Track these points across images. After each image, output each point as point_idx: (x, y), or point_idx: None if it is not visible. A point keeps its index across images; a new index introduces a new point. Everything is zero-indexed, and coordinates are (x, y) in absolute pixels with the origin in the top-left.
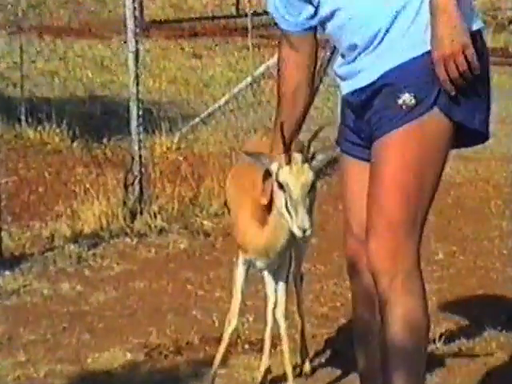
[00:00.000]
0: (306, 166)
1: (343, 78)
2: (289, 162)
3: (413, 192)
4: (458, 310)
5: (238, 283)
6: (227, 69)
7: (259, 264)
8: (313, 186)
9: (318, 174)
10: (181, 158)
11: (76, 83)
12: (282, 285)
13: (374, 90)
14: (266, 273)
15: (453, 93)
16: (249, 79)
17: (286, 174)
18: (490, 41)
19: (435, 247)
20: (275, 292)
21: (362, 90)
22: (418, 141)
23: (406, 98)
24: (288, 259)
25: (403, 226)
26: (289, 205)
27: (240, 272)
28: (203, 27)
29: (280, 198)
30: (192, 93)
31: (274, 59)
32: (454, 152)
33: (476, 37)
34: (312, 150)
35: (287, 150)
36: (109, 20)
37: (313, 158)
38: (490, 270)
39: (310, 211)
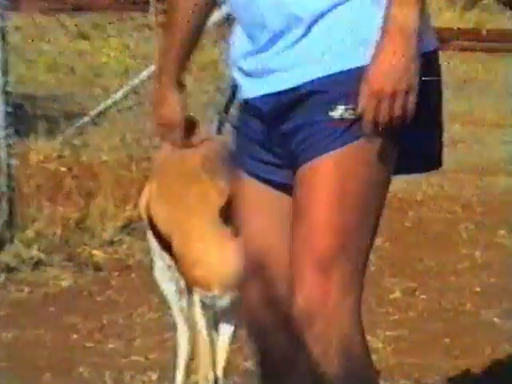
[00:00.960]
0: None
1: (247, 74)
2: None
3: (353, 234)
4: (420, 365)
5: (202, 323)
6: (124, 54)
7: (223, 303)
8: None
9: None
10: (64, 169)
11: None
12: (229, 329)
13: (294, 98)
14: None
15: (368, 135)
16: (152, 67)
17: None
18: (458, 20)
19: (390, 283)
20: (218, 338)
21: (276, 94)
22: (359, 167)
23: (343, 111)
24: None
25: (341, 278)
26: None
27: (200, 311)
28: None
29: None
30: (78, 84)
31: None
32: None
33: (431, 59)
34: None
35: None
36: None
37: None
38: (460, 313)
39: None
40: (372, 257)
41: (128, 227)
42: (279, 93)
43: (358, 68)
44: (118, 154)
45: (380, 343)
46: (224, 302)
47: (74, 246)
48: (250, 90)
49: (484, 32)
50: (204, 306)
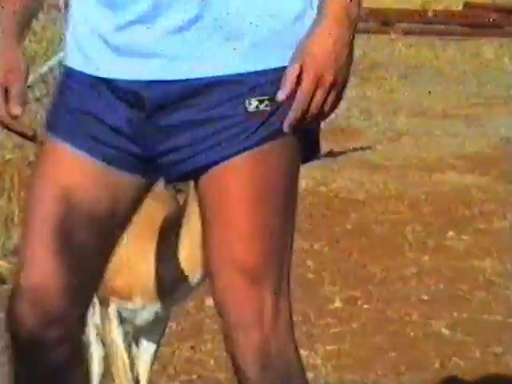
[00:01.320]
0: None
1: (115, 49)
2: None
3: (280, 236)
4: (363, 382)
5: (118, 340)
6: (32, 38)
7: (144, 316)
8: None
9: None
10: None
11: None
12: (151, 347)
13: (193, 88)
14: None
15: (290, 126)
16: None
17: None
18: (403, 0)
19: (330, 292)
20: (138, 358)
21: (166, 82)
22: (278, 164)
23: (258, 103)
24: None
25: (274, 284)
26: None
27: (116, 326)
28: None
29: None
30: None
31: None
32: (352, 159)
33: None
34: None
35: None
36: None
37: None
38: (406, 324)
39: None
40: (310, 263)
41: None
42: (171, 80)
43: (275, 64)
44: (23, 152)
45: (319, 359)
46: (145, 315)
47: None
48: (123, 70)
49: (430, 13)
50: (122, 320)
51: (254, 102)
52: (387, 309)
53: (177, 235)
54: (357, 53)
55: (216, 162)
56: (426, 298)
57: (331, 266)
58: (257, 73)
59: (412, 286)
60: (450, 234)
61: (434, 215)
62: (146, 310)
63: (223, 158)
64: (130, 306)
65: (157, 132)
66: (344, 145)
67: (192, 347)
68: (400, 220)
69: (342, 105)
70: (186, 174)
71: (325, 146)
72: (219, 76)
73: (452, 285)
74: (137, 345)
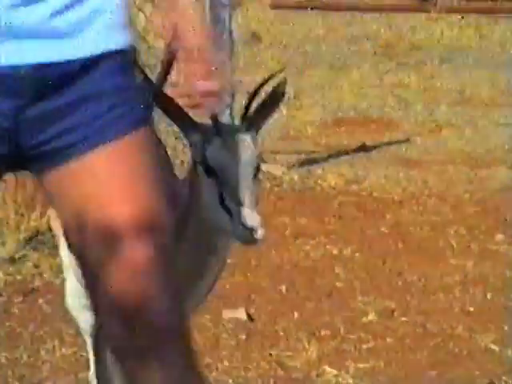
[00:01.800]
0: (248, 136)
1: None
2: (219, 131)
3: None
4: None
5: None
6: None
7: None
8: (258, 169)
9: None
10: None
11: None
12: None
13: (75, 68)
14: None
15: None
16: None
17: (218, 150)
18: None
19: (362, 303)
20: None
21: (46, 64)
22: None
23: (140, 79)
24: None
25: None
26: (227, 197)
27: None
28: None
29: (211, 191)
30: None
31: None
32: (387, 154)
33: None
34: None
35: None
36: None
37: (252, 124)
38: (449, 339)
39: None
40: (339, 270)
41: (34, 240)
42: (56, 62)
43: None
44: None
45: (350, 378)
46: None
47: None
48: (14, 52)
49: None
50: None
51: (132, 77)
52: (427, 321)
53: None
54: (392, 34)
55: (117, 135)
56: (471, 309)
57: (363, 273)
58: (131, 47)
59: (455, 296)
60: (498, 237)
61: (480, 216)
62: None
63: (107, 139)
64: None
65: (38, 120)
66: (378, 138)
67: (207, 365)
68: (441, 222)
69: (376, 93)
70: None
71: (356, 139)
72: (100, 54)
73: (500, 294)
74: None
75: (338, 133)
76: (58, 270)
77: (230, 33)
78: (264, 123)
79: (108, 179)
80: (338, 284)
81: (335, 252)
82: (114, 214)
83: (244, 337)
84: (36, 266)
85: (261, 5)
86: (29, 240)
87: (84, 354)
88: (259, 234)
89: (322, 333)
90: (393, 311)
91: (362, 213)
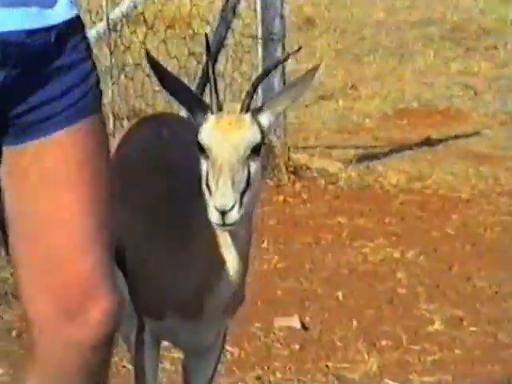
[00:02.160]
0: (246, 116)
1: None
2: (219, 109)
3: (109, 234)
4: None
5: (149, 373)
6: None
7: (183, 336)
8: (255, 153)
9: (265, 135)
10: None
11: None
12: (203, 379)
13: (56, 34)
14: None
15: None
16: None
17: (209, 129)
18: None
19: (427, 311)
20: None
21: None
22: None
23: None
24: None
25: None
26: (210, 177)
27: (148, 355)
28: None
29: (203, 171)
30: None
31: None
32: (454, 148)
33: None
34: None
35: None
36: None
37: (261, 108)
38: None
39: (243, 192)
40: (401, 275)
41: None
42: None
43: None
44: None
45: None
46: (185, 337)
47: None
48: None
49: None
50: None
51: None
52: (499, 331)
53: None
54: (460, 17)
55: (56, 127)
56: None
57: (428, 279)
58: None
59: None
60: None
61: None
62: (183, 331)
63: (70, 122)
64: (163, 326)
65: (18, 90)
66: (444, 131)
67: (258, 378)
68: None
69: (442, 81)
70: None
71: (420, 133)
72: (70, 20)
73: None
74: (186, 376)
75: (400, 125)
76: None
77: (282, 18)
78: (282, 107)
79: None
80: (400, 290)
81: (397, 255)
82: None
83: (298, 347)
84: None
85: None
86: None
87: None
88: (229, 218)
89: (383, 343)
90: (461, 320)
91: (426, 213)
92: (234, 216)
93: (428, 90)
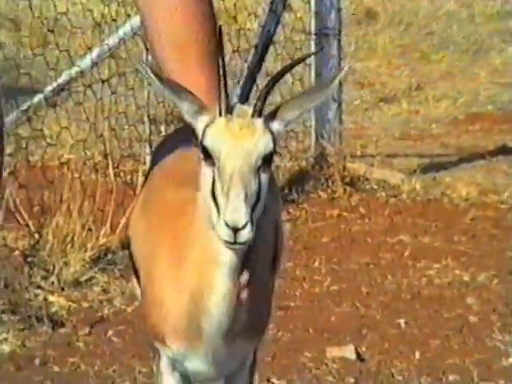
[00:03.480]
0: (258, 121)
1: None
2: (227, 111)
3: None
4: None
5: None
6: None
7: (199, 367)
8: (266, 163)
9: (277, 141)
10: (4, 174)
11: None
12: None
13: None
14: None
15: None
16: (137, 18)
17: (218, 133)
18: None
19: (501, 342)
20: None
21: None
22: None
23: None
24: (252, 355)
25: None
26: (218, 188)
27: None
28: None
29: (206, 179)
30: (25, 46)
31: None
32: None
33: None
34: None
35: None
36: None
37: (275, 112)
38: None
39: (254, 204)
40: (472, 301)
41: (102, 260)
42: None
43: None
44: (86, 151)
45: None
46: (200, 365)
47: (20, 291)
48: None
49: None
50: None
51: None
52: None
53: None
54: None
55: None
56: None
57: (502, 305)
58: None
59: None
60: None
61: None
62: (197, 359)
63: None
64: (174, 354)
65: None
66: None
67: None
68: None
69: None
70: None
71: (494, 140)
72: None
73: None
74: None
75: (472, 132)
76: (130, 296)
77: (339, 10)
78: (293, 116)
79: None
80: (471, 318)
81: (466, 278)
82: None
83: (352, 380)
84: (105, 291)
85: None
86: (97, 260)
87: None
88: (242, 236)
89: (450, 378)
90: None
91: (500, 230)
92: (246, 235)
93: (505, 92)
